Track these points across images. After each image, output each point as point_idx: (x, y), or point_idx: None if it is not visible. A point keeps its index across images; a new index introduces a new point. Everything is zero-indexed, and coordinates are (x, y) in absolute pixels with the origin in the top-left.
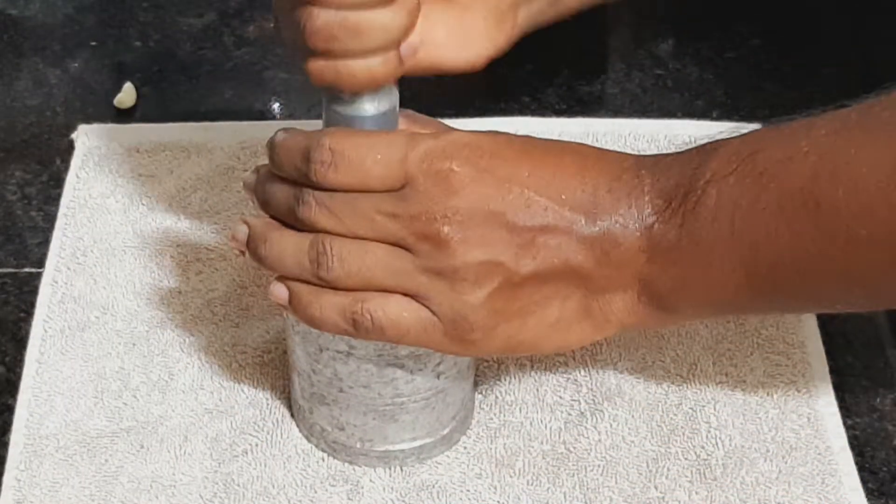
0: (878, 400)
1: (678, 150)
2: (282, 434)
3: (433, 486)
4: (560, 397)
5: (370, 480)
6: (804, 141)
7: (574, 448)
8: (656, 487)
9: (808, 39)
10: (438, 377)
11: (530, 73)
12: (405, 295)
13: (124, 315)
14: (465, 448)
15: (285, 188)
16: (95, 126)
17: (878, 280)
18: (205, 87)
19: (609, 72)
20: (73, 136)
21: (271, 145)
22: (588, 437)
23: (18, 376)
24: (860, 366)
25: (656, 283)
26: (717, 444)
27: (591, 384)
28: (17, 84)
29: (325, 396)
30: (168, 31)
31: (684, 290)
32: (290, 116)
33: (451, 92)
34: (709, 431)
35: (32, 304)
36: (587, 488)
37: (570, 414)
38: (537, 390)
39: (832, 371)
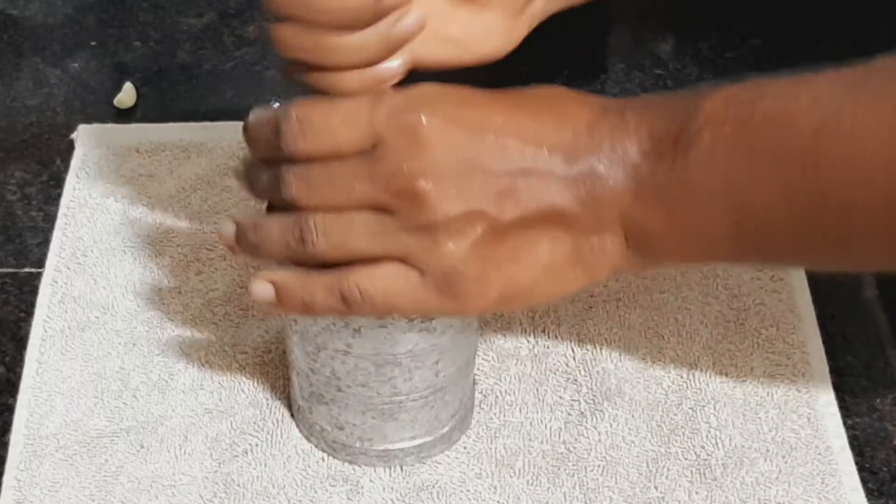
0: (878, 400)
1: None
2: (282, 434)
3: (433, 486)
4: (560, 397)
5: (370, 480)
6: (805, 97)
7: (574, 448)
8: (656, 487)
9: (808, 39)
10: (437, 375)
11: (530, 73)
12: (393, 261)
13: (124, 315)
14: (465, 448)
15: (267, 170)
16: (95, 126)
17: (867, 245)
18: (205, 87)
19: (609, 71)
20: (73, 136)
21: (244, 127)
22: (588, 437)
23: (18, 376)
24: (860, 366)
25: (642, 224)
26: (717, 444)
27: (591, 384)
28: (17, 84)
29: (323, 395)
30: (168, 31)
31: (672, 234)
32: None
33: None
34: (709, 431)
35: (32, 304)
36: (587, 488)
37: (570, 414)
38: (537, 390)
39: (832, 371)
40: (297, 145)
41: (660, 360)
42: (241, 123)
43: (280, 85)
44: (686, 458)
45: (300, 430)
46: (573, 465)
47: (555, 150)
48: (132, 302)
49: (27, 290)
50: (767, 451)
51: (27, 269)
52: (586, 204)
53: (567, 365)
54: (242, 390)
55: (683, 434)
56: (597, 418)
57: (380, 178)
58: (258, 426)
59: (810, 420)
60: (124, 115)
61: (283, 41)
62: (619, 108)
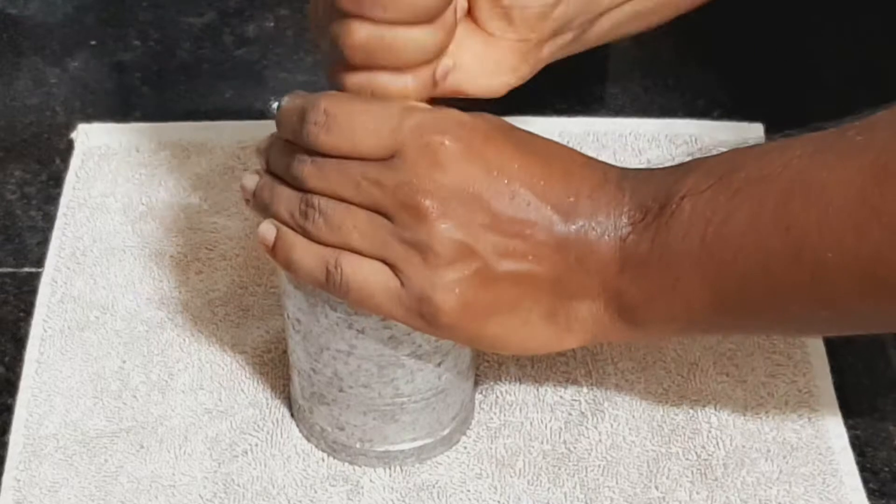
0: (880, 400)
1: (678, 148)
2: (282, 434)
3: (433, 486)
4: (560, 397)
5: (370, 480)
6: (779, 161)
7: (574, 448)
8: (657, 487)
9: (808, 39)
10: (439, 377)
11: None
12: (382, 263)
13: (124, 315)
14: (465, 448)
15: (287, 148)
16: (95, 126)
17: (843, 304)
18: (205, 86)
19: (609, 71)
20: (73, 135)
21: (278, 107)
22: (588, 437)
23: (18, 376)
24: (861, 366)
25: (625, 294)
26: (717, 444)
27: (592, 384)
28: (17, 83)
29: (325, 396)
30: (168, 30)
31: (652, 304)
32: None
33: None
34: (709, 431)
35: (32, 304)
36: (588, 488)
37: (570, 414)
38: (537, 390)
39: (833, 371)
40: (318, 138)
41: (660, 360)
42: (241, 123)
43: (280, 84)
44: (687, 459)
45: (300, 431)
46: (574, 465)
47: (557, 208)
48: (132, 302)
49: (27, 290)
50: (768, 451)
51: (27, 269)
52: (574, 268)
53: (567, 365)
54: (242, 390)
55: (684, 434)
56: (597, 418)
57: (389, 185)
58: (258, 426)
59: (811, 420)
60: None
61: (350, 37)
62: (618, 178)
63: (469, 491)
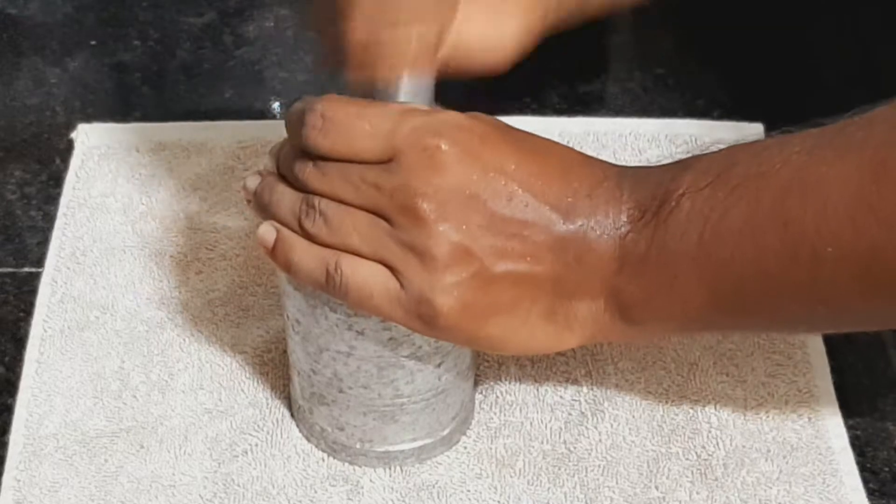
0: (880, 400)
1: (678, 148)
2: (282, 434)
3: (433, 486)
4: (560, 397)
5: (370, 480)
6: (777, 158)
7: (574, 448)
8: (657, 487)
9: (808, 39)
10: (439, 378)
11: (530, 73)
12: (382, 264)
13: (124, 315)
14: (465, 448)
15: (293, 150)
16: (95, 126)
17: (840, 301)
18: (205, 86)
19: (609, 71)
20: (73, 135)
21: (286, 113)
22: (588, 437)
23: (18, 376)
24: (861, 366)
25: (624, 293)
26: (717, 444)
27: (592, 384)
28: (17, 83)
29: (325, 397)
30: (168, 30)
31: (650, 302)
32: None
33: (451, 91)
34: (709, 431)
35: (32, 304)
36: (588, 488)
37: (570, 414)
38: (537, 390)
39: (833, 371)
40: (316, 141)
41: (660, 360)
42: (241, 123)
43: (280, 84)
44: (687, 459)
45: (300, 431)
46: (574, 465)
47: (555, 207)
48: (132, 302)
49: (26, 290)
50: (768, 451)
51: (27, 269)
52: (572, 268)
53: (567, 365)
54: (242, 390)
55: (684, 434)
56: (597, 418)
57: (387, 188)
58: (258, 426)
59: (811, 420)
60: (124, 115)
61: (355, 37)
62: (616, 176)
63: (469, 491)
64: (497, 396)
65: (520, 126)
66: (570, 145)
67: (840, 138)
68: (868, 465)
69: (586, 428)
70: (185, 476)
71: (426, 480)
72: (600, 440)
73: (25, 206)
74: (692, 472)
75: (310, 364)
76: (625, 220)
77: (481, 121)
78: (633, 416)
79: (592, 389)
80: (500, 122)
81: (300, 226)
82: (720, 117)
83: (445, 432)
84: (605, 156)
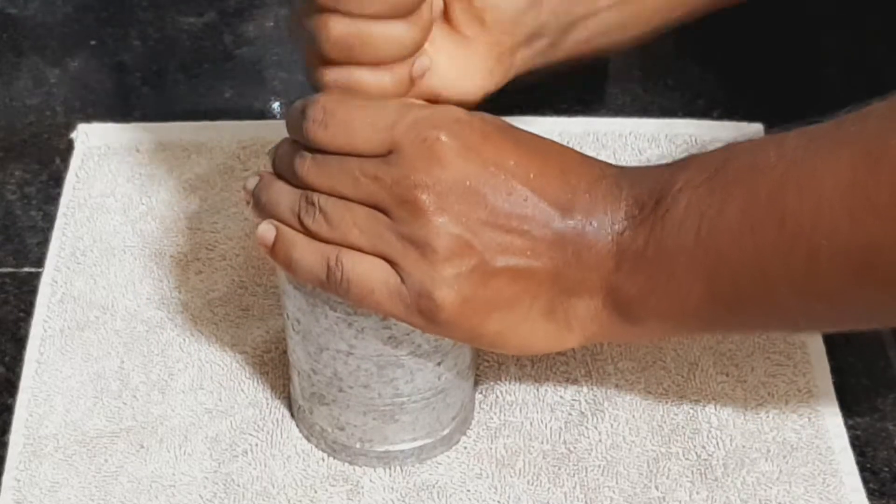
0: (880, 400)
1: (678, 148)
2: (282, 434)
3: (433, 486)
4: (560, 397)
5: (370, 480)
6: (773, 153)
7: (574, 448)
8: (657, 487)
9: (808, 39)
10: (439, 377)
11: (530, 73)
12: (382, 259)
13: (124, 315)
14: (465, 448)
15: (291, 147)
16: (95, 126)
17: (837, 295)
18: (205, 86)
19: (609, 71)
20: (73, 135)
21: (287, 111)
22: (588, 437)
23: (18, 376)
24: (861, 366)
25: (622, 290)
26: (717, 444)
27: (592, 384)
28: (17, 83)
29: (325, 396)
30: (168, 30)
31: (648, 300)
32: None
33: None
34: (709, 431)
35: (32, 304)
36: (588, 488)
37: (570, 414)
38: (537, 390)
39: (833, 371)
40: (316, 134)
41: (660, 360)
42: (241, 123)
43: (280, 84)
44: (687, 459)
45: (300, 431)
46: (574, 465)
47: (555, 204)
48: (132, 302)
49: (27, 290)
50: (768, 451)
51: (27, 269)
52: (571, 264)
53: (567, 365)
54: (242, 390)
55: (684, 434)
56: (597, 418)
57: (387, 180)
58: (258, 426)
59: (811, 420)
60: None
61: (328, 32)
62: (615, 174)
63: (469, 491)
64: (497, 396)
65: (520, 126)
66: (570, 145)
67: (836, 132)
68: (868, 465)
69: (586, 428)
70: (185, 476)
71: (426, 480)
72: (600, 440)
73: (25, 206)
74: (692, 472)
75: (310, 363)
76: (623, 217)
77: (482, 117)
78: (633, 416)
79: (592, 389)
80: (500, 119)
81: (300, 223)
82: (720, 117)
83: (445, 432)
84: (605, 156)
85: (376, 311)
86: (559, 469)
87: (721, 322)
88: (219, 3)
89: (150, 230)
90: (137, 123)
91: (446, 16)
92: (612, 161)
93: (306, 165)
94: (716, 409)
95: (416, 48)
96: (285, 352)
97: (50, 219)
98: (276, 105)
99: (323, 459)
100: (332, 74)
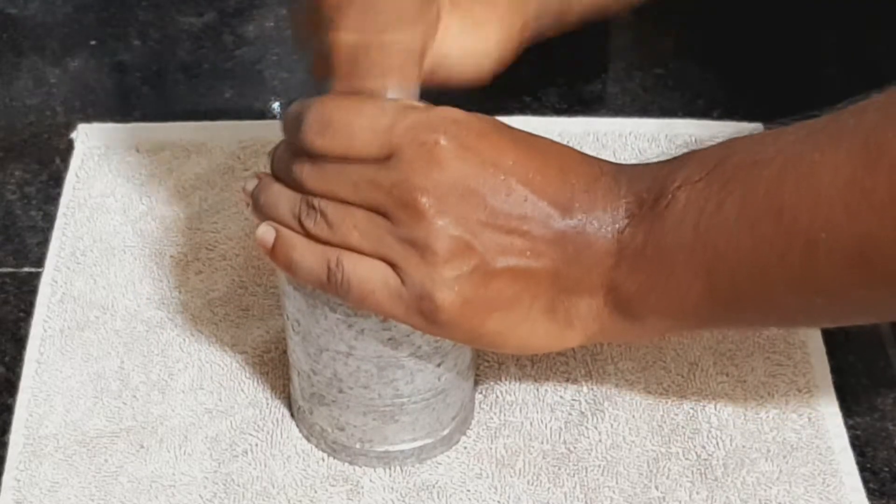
0: (880, 400)
1: (678, 149)
2: (282, 434)
3: (433, 486)
4: (560, 397)
5: (370, 480)
6: (771, 147)
7: (574, 448)
8: (657, 487)
9: (808, 39)
10: (439, 378)
11: (530, 73)
12: (382, 262)
13: (124, 315)
14: (465, 448)
15: (289, 151)
16: (95, 126)
17: (835, 289)
18: (204, 86)
19: (609, 71)
20: (73, 135)
21: (283, 115)
22: (588, 437)
23: (18, 376)
24: (861, 365)
25: (622, 287)
26: (717, 444)
27: (592, 384)
28: (17, 83)
29: (324, 397)
30: (168, 30)
31: (648, 297)
32: None
33: (451, 92)
34: (709, 431)
35: (32, 304)
36: (588, 488)
37: (570, 414)
38: (537, 390)
39: (833, 371)
40: (314, 142)
41: (660, 360)
42: (241, 123)
43: (280, 84)
44: (687, 458)
45: (300, 431)
46: (574, 465)
47: (554, 203)
48: (132, 302)
49: (27, 290)
50: (768, 451)
51: (27, 269)
52: (571, 263)
53: (567, 365)
54: (242, 390)
55: (684, 434)
56: (597, 418)
57: (385, 184)
58: (258, 426)
59: (811, 420)
60: (124, 115)
61: (337, 46)
62: (614, 172)
63: (469, 491)
64: (497, 396)
65: (520, 126)
66: (570, 145)
67: (833, 126)
68: (868, 465)
69: (586, 428)
70: (185, 476)
71: (426, 480)
72: (600, 440)
73: (25, 206)
74: (692, 472)
75: (310, 364)
76: (622, 214)
77: (479, 118)
78: (633, 416)
79: (592, 389)
80: (498, 120)
81: (300, 224)
82: (720, 117)
83: (445, 432)
84: (605, 156)
85: (376, 312)
86: (559, 469)
87: (720, 318)
88: (219, 3)
89: (150, 230)
90: (137, 123)
91: (455, 2)
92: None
93: (305, 171)
94: (716, 409)
95: (424, 53)
96: (285, 352)
97: (50, 219)
98: (276, 105)
99: (323, 459)
100: (339, 86)
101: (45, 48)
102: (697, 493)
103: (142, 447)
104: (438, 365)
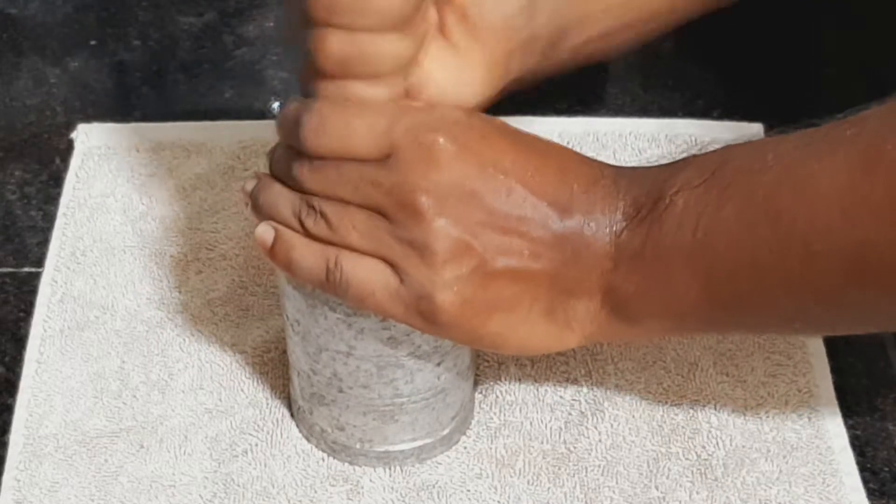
0: (880, 400)
1: (678, 149)
2: (282, 434)
3: (433, 486)
4: (560, 397)
5: (370, 480)
6: (771, 154)
7: (574, 448)
8: (657, 487)
9: (809, 40)
10: (438, 378)
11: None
12: (382, 261)
13: (124, 315)
14: (465, 448)
15: (287, 151)
16: (95, 125)
17: (833, 296)
18: (204, 86)
19: (609, 71)
20: (73, 135)
21: (278, 115)
22: (588, 437)
23: (18, 376)
24: (861, 366)
25: (620, 290)
26: (717, 444)
27: (592, 384)
28: (17, 83)
29: (324, 397)
30: (168, 30)
31: (646, 300)
32: None
33: None
34: (709, 431)
35: (32, 304)
36: (588, 488)
37: (570, 414)
38: (537, 390)
39: (833, 371)
40: (312, 142)
41: (660, 360)
42: (241, 123)
43: (280, 84)
44: (687, 458)
45: (300, 431)
46: (574, 464)
47: (553, 204)
48: (132, 302)
49: (27, 290)
50: (768, 451)
51: (27, 269)
52: (569, 265)
53: (567, 365)
54: (242, 390)
55: (684, 434)
56: (597, 418)
57: (385, 184)
58: (258, 426)
59: (811, 420)
60: (124, 115)
61: (324, 46)
62: (613, 174)
63: (469, 491)
64: (497, 396)
65: (520, 126)
66: (570, 145)
67: (833, 135)
68: (868, 465)
69: (586, 428)
70: (185, 476)
71: (426, 480)
72: (600, 440)
73: (25, 206)
74: (692, 472)
75: (309, 364)
76: (620, 217)
77: (479, 117)
78: (633, 416)
79: (592, 389)
80: (498, 119)
81: (300, 224)
82: (720, 117)
83: (445, 432)
84: (605, 156)
85: (376, 312)
86: (559, 469)
87: (718, 322)
88: (219, 3)
89: (150, 230)
90: (137, 123)
91: (441, 27)
92: (612, 161)
93: (304, 172)
94: (716, 409)
95: (411, 60)
96: (285, 352)
97: (50, 219)
98: (275, 105)
99: (323, 459)
100: (328, 88)
101: (45, 48)
102: (697, 493)
103: (142, 447)
104: (438, 364)
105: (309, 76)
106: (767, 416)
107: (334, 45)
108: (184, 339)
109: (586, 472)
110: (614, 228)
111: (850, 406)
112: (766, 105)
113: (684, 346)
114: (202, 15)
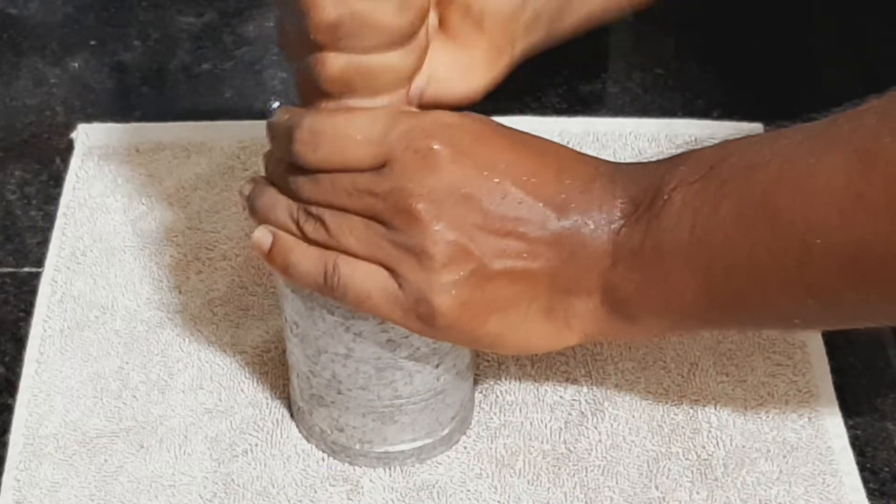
0: (880, 400)
1: (678, 149)
2: (282, 434)
3: (433, 486)
4: (560, 397)
5: (370, 480)
6: (768, 150)
7: (574, 448)
8: (657, 487)
9: (808, 39)
10: (437, 379)
11: (530, 73)
12: (380, 265)
13: (124, 315)
14: (465, 448)
15: (283, 164)
16: (95, 125)
17: (830, 292)
18: (204, 86)
19: (609, 71)
20: (73, 135)
21: (268, 125)
22: (588, 437)
23: (18, 376)
24: (861, 366)
25: (618, 288)
26: (717, 444)
27: (592, 384)
28: (17, 83)
29: (323, 398)
30: (168, 30)
31: (644, 298)
32: None
33: None
34: (710, 431)
35: (32, 304)
36: (588, 488)
37: (570, 414)
38: (537, 390)
39: (833, 371)
40: (306, 157)
41: (660, 360)
42: (241, 123)
43: (280, 84)
44: (687, 458)
45: (300, 431)
46: (574, 465)
47: (550, 204)
48: (132, 302)
49: (26, 290)
50: (768, 451)
51: (26, 269)
52: (568, 264)
53: (567, 365)
54: (242, 390)
55: (684, 434)
56: (597, 418)
57: (381, 191)
58: (258, 426)
59: (811, 420)
60: (124, 115)
61: (326, 69)
62: (610, 171)
63: (469, 491)
64: (497, 396)
65: (520, 126)
66: (570, 145)
67: (830, 130)
68: (868, 465)
69: (586, 428)
70: (185, 476)
71: (426, 480)
72: (600, 440)
73: (25, 206)
74: (692, 472)
75: (308, 366)
76: (618, 215)
77: (472, 119)
78: (633, 416)
79: (592, 389)
80: (492, 120)
81: (297, 228)
82: (720, 117)
83: (445, 432)
84: (605, 156)
85: (374, 315)
86: (559, 469)
87: (717, 320)
88: (219, 3)
89: (150, 230)
90: (137, 123)
91: (443, 25)
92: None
93: (299, 182)
94: (716, 409)
95: (415, 73)
96: (285, 352)
97: (50, 219)
98: (275, 105)
99: (323, 459)
100: (329, 105)
101: (45, 48)
102: (697, 493)
103: (142, 447)
104: (437, 366)
105: (310, 96)
106: (767, 416)
107: (336, 67)
108: (184, 340)
109: (586, 472)
110: (612, 226)
111: (850, 406)
112: (766, 105)
113: (684, 346)
114: (202, 15)
